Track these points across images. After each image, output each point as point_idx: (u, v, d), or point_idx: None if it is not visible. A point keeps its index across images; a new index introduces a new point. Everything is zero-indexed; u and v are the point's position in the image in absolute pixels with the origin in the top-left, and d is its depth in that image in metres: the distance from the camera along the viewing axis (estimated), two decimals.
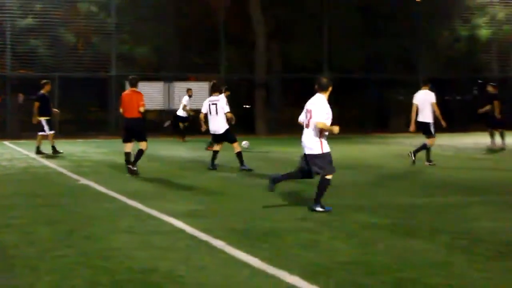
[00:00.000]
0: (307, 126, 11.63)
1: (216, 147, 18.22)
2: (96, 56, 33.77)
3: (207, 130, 18.47)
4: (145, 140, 17.09)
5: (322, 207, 11.41)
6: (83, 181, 15.98)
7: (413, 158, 18.88)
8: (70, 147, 24.53)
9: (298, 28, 35.85)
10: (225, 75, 35.05)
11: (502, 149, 24.20)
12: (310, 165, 11.68)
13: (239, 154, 17.90)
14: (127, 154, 17.01)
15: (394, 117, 37.39)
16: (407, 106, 36.63)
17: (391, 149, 25.49)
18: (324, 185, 11.59)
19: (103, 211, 11.64)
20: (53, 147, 22.72)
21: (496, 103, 24.63)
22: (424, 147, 19.00)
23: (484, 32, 37.74)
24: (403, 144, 27.56)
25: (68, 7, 33.81)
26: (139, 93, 17.12)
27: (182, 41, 35.41)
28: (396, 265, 7.78)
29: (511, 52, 38.28)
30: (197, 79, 36.95)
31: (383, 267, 7.71)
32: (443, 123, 18.97)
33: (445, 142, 28.43)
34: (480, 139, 25.49)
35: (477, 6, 38.19)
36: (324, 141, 11.59)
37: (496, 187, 14.60)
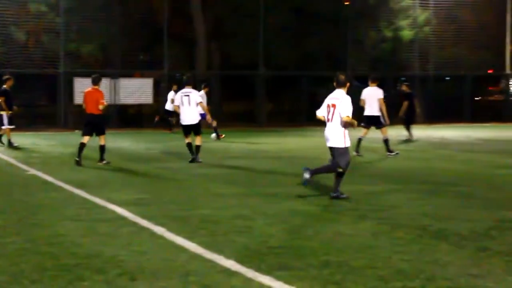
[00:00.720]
0: (330, 120, 11.54)
1: (187, 139, 17.63)
2: (45, 53, 33.26)
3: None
4: (104, 134, 17.05)
5: (308, 181, 11.41)
6: (32, 171, 15.74)
7: (394, 153, 19.06)
8: (20, 139, 24.05)
9: (236, 27, 35.79)
10: (169, 71, 34.82)
11: (409, 140, 24.42)
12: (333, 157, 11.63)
13: (199, 147, 17.57)
14: (83, 144, 16.86)
15: None
16: None
17: (322, 141, 25.54)
18: (330, 168, 11.63)
19: (50, 200, 11.50)
20: (9, 141, 22.33)
21: (405, 103, 24.78)
22: (387, 140, 19.20)
23: (406, 33, 38.15)
24: None
25: (19, 7, 33.19)
26: (100, 91, 17.27)
27: (128, 39, 35.07)
28: (324, 249, 7.83)
29: (431, 52, 38.80)
30: (142, 76, 36.64)
31: (311, 251, 7.75)
32: (387, 120, 19.32)
33: (371, 135, 28.68)
34: (403, 132, 25.73)
35: (400, 9, 38.57)
36: (347, 135, 11.54)
37: (416, 176, 14.79)
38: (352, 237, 8.50)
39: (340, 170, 11.44)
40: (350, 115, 11.32)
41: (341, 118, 11.31)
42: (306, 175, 11.39)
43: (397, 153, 19.05)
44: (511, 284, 6.48)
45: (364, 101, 19.24)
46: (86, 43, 34.35)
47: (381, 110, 19.13)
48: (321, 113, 11.82)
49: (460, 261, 7.32)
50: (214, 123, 24.37)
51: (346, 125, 11.36)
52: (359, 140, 19.11)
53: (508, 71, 39.64)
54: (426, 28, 38.69)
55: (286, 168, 16.30)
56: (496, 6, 39.85)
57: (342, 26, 36.79)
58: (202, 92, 24.02)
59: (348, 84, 11.70)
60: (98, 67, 34.05)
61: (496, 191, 12.46)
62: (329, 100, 11.63)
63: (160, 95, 34.54)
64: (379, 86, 19.52)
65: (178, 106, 17.55)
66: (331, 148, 11.67)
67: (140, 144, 24.00)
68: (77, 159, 16.67)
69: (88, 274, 6.83)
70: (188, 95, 17.38)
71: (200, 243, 8.03)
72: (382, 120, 19.20)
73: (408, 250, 7.81)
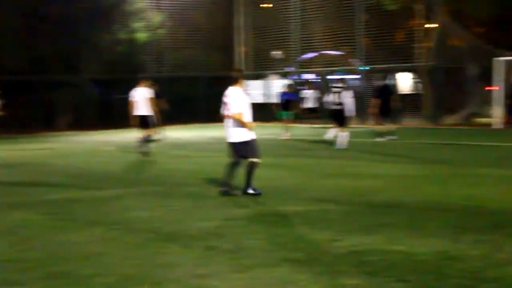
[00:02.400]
0: (227, 117, 11.66)
1: None
2: None
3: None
4: None
5: (254, 190, 11.81)
6: None
7: (145, 154, 19.38)
8: None
9: None
10: None
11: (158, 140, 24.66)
12: (233, 152, 11.83)
13: None
14: None
15: (60, 116, 36.70)
16: (72, 106, 36.48)
17: (56, 147, 24.96)
18: (252, 168, 11.78)
19: None
20: None
21: (154, 101, 24.95)
22: (145, 140, 19.72)
23: (141, 36, 38.34)
24: (67, 142, 27.24)
25: None
26: None
27: None
28: (51, 259, 7.57)
29: (166, 53, 39.34)
30: None
31: (37, 262, 7.45)
32: (159, 117, 20.21)
33: (107, 138, 28.51)
34: (138, 135, 25.81)
35: (135, 11, 38.64)
36: (244, 130, 11.61)
37: (150, 179, 14.84)
38: (81, 245, 8.29)
39: (256, 160, 11.78)
40: (239, 111, 11.53)
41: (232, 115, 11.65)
42: (223, 188, 11.92)
43: (145, 154, 19.52)
44: (235, 282, 6.63)
45: (134, 102, 19.64)
46: None
47: (152, 109, 19.81)
48: (221, 110, 12.08)
49: (188, 262, 7.38)
50: None
51: (239, 121, 11.59)
52: (147, 140, 19.84)
53: None
54: (161, 30, 39.13)
55: (18, 177, 15.65)
56: (225, 9, 41.28)
57: (76, 29, 36.08)
58: None
59: (241, 79, 11.88)
60: None
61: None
62: (224, 98, 11.85)
63: None
64: (151, 86, 20.53)
65: None
66: (229, 144, 11.92)
67: None
68: None
69: None
70: None
71: None
72: (150, 120, 19.83)
73: (138, 254, 7.76)
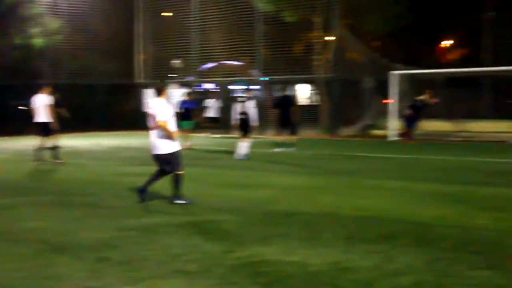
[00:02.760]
0: (153, 128, 11.65)
1: None
2: None
3: None
4: None
5: (183, 199, 11.87)
6: None
7: (57, 161, 19.63)
8: None
9: None
10: None
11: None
12: (159, 164, 11.85)
13: None
14: None
15: None
16: None
17: None
18: (178, 180, 11.87)
19: None
20: None
21: (53, 108, 24.43)
22: (55, 147, 19.80)
23: (38, 41, 37.48)
24: None
25: None
26: None
27: None
28: None
29: (63, 60, 38.59)
30: None
31: None
32: (56, 125, 19.79)
33: (2, 145, 27.74)
34: (36, 142, 25.21)
35: (31, 17, 37.75)
36: (171, 142, 11.67)
37: (43, 188, 14.45)
38: None
39: (180, 173, 11.86)
40: (164, 119, 11.51)
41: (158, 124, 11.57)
42: (140, 188, 11.95)
43: (62, 162, 19.58)
44: None
45: (35, 108, 19.48)
46: None
47: (51, 116, 19.61)
48: (147, 123, 11.93)
49: (79, 274, 7.18)
50: None
51: (165, 131, 11.55)
52: (47, 148, 19.71)
53: (138, 80, 40.76)
54: (59, 36, 38.36)
55: None
56: (125, 16, 40.86)
57: None
58: None
59: (164, 91, 11.98)
60: None
61: (121, 199, 12.52)
62: (149, 109, 11.79)
63: None
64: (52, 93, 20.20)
65: None
66: (156, 156, 11.82)
67: None
68: None
69: None
70: None
71: None
72: (50, 127, 19.64)
73: (26, 266, 7.50)
